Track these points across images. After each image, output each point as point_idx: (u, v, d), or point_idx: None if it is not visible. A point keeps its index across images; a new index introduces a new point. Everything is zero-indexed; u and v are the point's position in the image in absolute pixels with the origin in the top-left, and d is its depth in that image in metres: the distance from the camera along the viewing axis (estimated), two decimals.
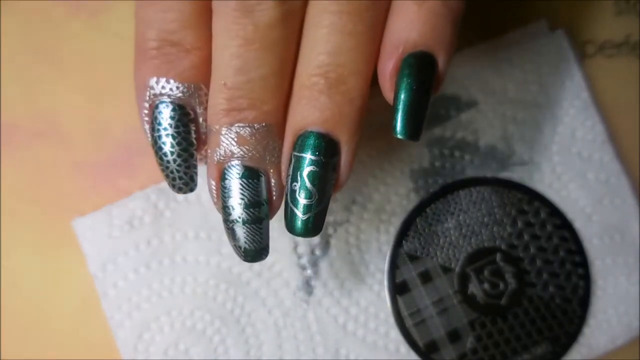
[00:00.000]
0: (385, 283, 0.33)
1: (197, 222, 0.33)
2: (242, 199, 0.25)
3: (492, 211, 0.34)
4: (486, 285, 0.33)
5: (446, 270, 0.33)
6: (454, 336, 0.33)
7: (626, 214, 0.35)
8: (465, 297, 0.33)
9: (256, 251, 0.26)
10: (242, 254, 0.26)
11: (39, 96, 0.34)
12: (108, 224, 0.33)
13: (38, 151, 0.34)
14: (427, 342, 0.33)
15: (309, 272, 0.33)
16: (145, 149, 0.34)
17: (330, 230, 0.34)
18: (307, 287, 0.33)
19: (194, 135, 0.26)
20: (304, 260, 0.33)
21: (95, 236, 0.33)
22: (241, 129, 0.25)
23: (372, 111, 0.34)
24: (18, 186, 0.33)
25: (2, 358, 0.32)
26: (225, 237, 0.33)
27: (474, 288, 0.33)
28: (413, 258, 0.34)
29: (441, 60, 0.25)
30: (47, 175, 0.34)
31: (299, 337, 0.33)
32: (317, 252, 0.34)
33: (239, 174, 0.25)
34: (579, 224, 0.34)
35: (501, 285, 0.33)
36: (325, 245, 0.34)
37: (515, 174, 0.35)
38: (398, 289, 0.33)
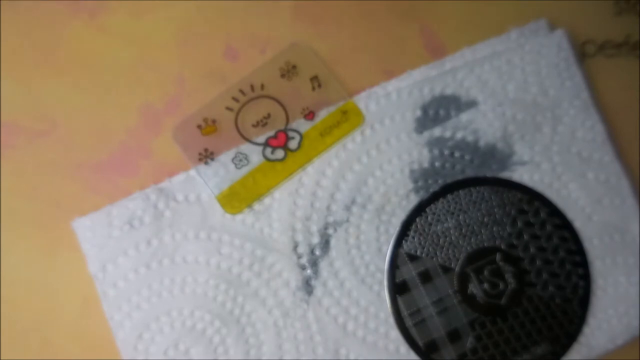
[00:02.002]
0: (385, 283, 0.33)
1: (197, 222, 0.33)
2: None
3: (492, 211, 0.34)
4: (486, 285, 0.33)
5: (446, 270, 0.33)
6: (454, 336, 0.33)
7: (626, 214, 0.35)
8: (465, 297, 0.33)
9: None
10: None
11: (39, 96, 0.34)
12: (108, 224, 0.33)
13: (38, 151, 0.34)
14: (427, 342, 0.33)
15: (308, 272, 0.33)
16: (145, 149, 0.34)
17: (330, 230, 0.34)
18: (307, 287, 0.33)
19: None
20: (304, 260, 0.33)
21: (95, 236, 0.33)
22: None
23: (371, 111, 0.35)
24: (18, 186, 0.33)
25: (2, 358, 0.32)
26: (225, 237, 0.33)
27: (473, 288, 0.33)
28: (413, 258, 0.34)
29: None
30: (47, 175, 0.34)
31: (299, 337, 0.33)
32: (317, 252, 0.33)
33: None
34: (579, 224, 0.34)
35: (501, 285, 0.33)
36: (325, 245, 0.34)
37: (515, 174, 0.35)
38: (398, 289, 0.33)
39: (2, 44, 0.34)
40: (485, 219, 0.34)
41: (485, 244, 0.34)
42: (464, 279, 0.33)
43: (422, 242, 0.34)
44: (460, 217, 0.34)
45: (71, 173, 0.34)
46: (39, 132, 0.34)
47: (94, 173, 0.34)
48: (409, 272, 0.33)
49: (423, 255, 0.34)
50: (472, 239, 0.34)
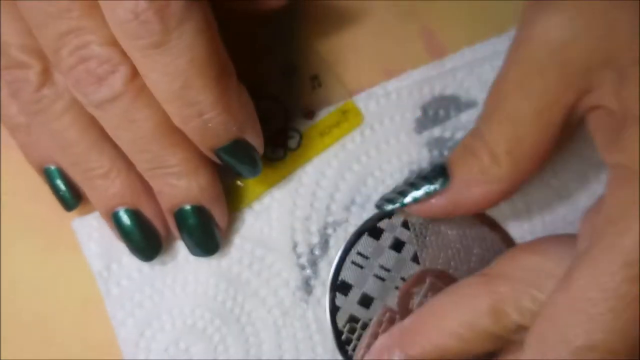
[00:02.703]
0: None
1: None
2: None
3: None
4: None
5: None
6: None
7: None
8: None
9: None
10: None
11: None
12: None
13: None
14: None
15: (308, 271, 0.34)
16: None
17: (330, 230, 0.34)
18: (307, 286, 0.33)
19: None
20: (303, 260, 0.34)
21: (101, 236, 0.32)
22: None
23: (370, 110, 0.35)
24: (18, 186, 0.33)
25: (2, 358, 0.33)
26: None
27: None
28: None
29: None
30: None
31: (298, 336, 0.33)
32: (317, 251, 0.34)
33: None
34: (579, 224, 0.34)
35: None
36: (325, 245, 0.34)
37: None
38: (339, 288, 0.33)
39: None
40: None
41: None
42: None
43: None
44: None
45: None
46: None
47: None
48: None
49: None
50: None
